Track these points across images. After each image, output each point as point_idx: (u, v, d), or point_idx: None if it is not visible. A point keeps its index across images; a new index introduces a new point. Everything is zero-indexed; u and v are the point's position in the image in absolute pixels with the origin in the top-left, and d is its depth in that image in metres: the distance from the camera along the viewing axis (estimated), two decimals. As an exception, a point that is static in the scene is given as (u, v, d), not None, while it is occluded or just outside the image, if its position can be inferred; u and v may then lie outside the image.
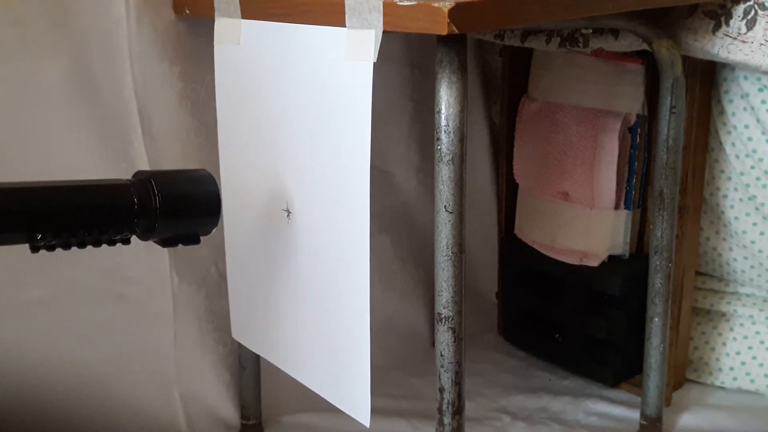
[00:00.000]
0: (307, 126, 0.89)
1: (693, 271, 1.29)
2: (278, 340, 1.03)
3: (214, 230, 0.82)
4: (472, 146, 1.46)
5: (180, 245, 0.80)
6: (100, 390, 1.09)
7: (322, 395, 0.96)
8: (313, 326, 0.95)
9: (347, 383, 0.91)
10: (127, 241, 0.76)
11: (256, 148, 0.98)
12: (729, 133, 1.20)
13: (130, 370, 1.11)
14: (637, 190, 1.27)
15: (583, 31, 1.14)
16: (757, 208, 1.22)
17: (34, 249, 0.71)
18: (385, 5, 0.76)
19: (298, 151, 0.91)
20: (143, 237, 0.77)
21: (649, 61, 1.20)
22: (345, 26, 0.80)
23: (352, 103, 0.81)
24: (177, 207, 0.77)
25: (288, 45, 0.89)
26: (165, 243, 0.79)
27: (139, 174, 0.78)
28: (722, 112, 1.20)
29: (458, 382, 0.84)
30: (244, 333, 1.10)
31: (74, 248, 0.73)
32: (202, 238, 0.82)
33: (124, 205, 0.74)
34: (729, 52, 1.04)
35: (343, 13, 0.79)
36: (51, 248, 0.71)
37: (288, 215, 0.94)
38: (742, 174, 1.21)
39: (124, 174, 1.03)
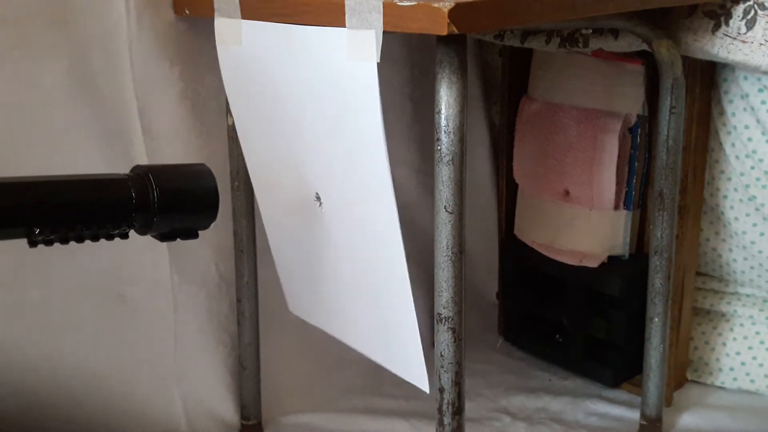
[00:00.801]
0: (321, 125, 0.89)
1: (693, 272, 1.29)
2: (333, 314, 1.06)
3: (212, 224, 0.82)
4: (472, 146, 1.46)
5: (178, 240, 0.80)
6: (100, 390, 1.09)
7: (385, 366, 0.98)
8: (362, 303, 0.97)
9: (402, 354, 0.93)
10: (125, 236, 0.76)
11: (279, 144, 0.99)
12: (729, 133, 1.20)
13: (130, 370, 1.11)
14: (637, 191, 1.27)
15: (583, 31, 1.14)
16: (757, 209, 1.22)
17: (32, 243, 0.71)
18: (385, 5, 0.76)
19: (318, 148, 0.92)
20: (141, 231, 0.78)
21: (649, 62, 1.20)
22: (345, 26, 0.80)
23: (361, 103, 0.81)
24: (175, 201, 0.77)
25: (290, 45, 0.89)
26: (163, 237, 0.79)
27: (137, 168, 0.78)
28: (722, 112, 1.20)
29: (458, 383, 0.84)
30: (301, 308, 1.13)
31: (74, 245, 0.73)
32: (201, 236, 0.82)
33: (122, 200, 0.74)
34: (729, 52, 1.04)
35: (343, 14, 0.79)
36: (49, 243, 0.71)
37: (320, 204, 0.95)
38: (742, 174, 1.21)
39: (124, 174, 1.03)
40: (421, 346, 0.88)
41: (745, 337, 1.30)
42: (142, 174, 0.76)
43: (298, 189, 0.98)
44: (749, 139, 1.18)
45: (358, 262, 0.94)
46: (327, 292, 1.04)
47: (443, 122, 0.77)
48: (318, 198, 0.95)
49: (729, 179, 1.23)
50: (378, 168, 0.82)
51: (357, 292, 0.97)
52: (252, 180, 1.07)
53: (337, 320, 1.06)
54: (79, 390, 1.08)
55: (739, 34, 1.03)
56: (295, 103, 0.92)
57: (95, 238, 0.74)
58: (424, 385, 0.91)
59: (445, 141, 0.77)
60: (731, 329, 1.31)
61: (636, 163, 1.24)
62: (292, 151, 0.97)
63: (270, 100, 0.96)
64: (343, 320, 1.04)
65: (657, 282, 1.12)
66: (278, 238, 1.10)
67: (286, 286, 1.15)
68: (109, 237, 0.75)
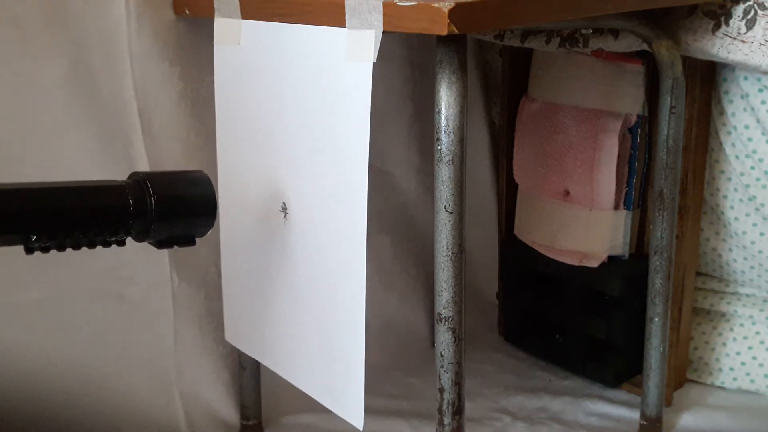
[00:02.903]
0: (306, 126, 0.89)
1: (693, 272, 1.29)
2: (272, 343, 1.03)
3: (209, 232, 0.82)
4: (472, 146, 1.46)
5: (175, 246, 0.80)
6: (100, 390, 1.09)
7: (315, 398, 0.96)
8: (308, 328, 0.95)
9: (341, 386, 0.90)
10: (122, 243, 0.76)
11: (254, 148, 0.98)
12: (729, 133, 1.20)
13: (130, 370, 1.11)
14: (637, 191, 1.27)
15: (583, 31, 1.14)
16: (757, 209, 1.22)
17: (29, 251, 0.70)
18: (385, 5, 0.76)
19: (297, 151, 0.91)
20: (139, 239, 0.77)
21: (649, 62, 1.20)
22: (345, 26, 0.80)
23: (351, 104, 0.81)
24: (172, 208, 0.77)
25: (288, 45, 0.89)
26: (160, 244, 0.79)
27: (134, 175, 0.78)
28: (722, 112, 1.20)
29: (458, 383, 0.84)
30: (238, 335, 1.10)
31: (71, 249, 0.73)
32: (201, 240, 0.82)
33: (119, 207, 0.74)
34: (729, 52, 1.04)
35: (343, 14, 0.79)
36: (45, 250, 0.71)
37: (285, 215, 0.94)
38: (742, 174, 1.21)
39: (124, 174, 1.03)
40: (363, 381, 0.86)
41: (745, 337, 1.30)
42: (139, 181, 0.76)
43: (266, 197, 0.96)
44: (749, 139, 1.18)
45: (313, 284, 0.92)
46: (271, 318, 1.01)
47: (443, 122, 0.77)
48: (284, 209, 0.93)
49: (729, 179, 1.23)
50: (357, 170, 0.81)
51: (305, 317, 0.94)
52: (219, 187, 1.04)
53: (275, 349, 1.02)
54: (79, 390, 1.08)
55: (739, 34, 1.03)
56: (283, 104, 0.91)
57: (92, 245, 0.74)
58: (358, 422, 0.89)
59: (445, 141, 0.77)
60: (731, 329, 1.31)
61: (636, 163, 1.24)
62: (269, 155, 0.95)
63: (258, 101, 0.95)
64: (282, 349, 1.00)
65: (657, 282, 1.12)
66: (231, 253, 1.06)
67: (228, 310, 1.10)
68: (106, 244, 0.75)
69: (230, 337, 1.11)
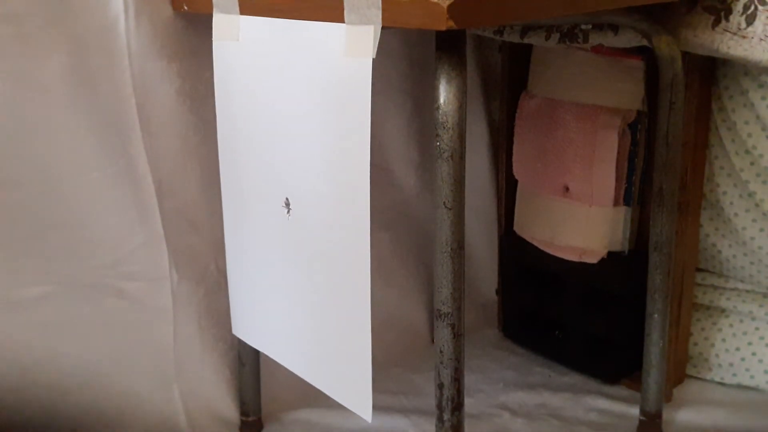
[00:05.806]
0: (306, 122, 0.89)
1: (693, 268, 1.29)
2: (279, 336, 1.03)
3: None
4: (471, 143, 1.45)
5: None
6: (100, 387, 1.09)
7: (323, 391, 0.96)
8: (314, 321, 0.95)
9: (348, 378, 0.91)
10: None
11: (255, 144, 0.98)
12: (729, 129, 1.20)
13: (130, 366, 1.11)
14: (636, 187, 1.26)
15: (583, 26, 1.14)
16: (757, 205, 1.22)
17: None
18: (383, 1, 0.76)
19: (298, 148, 0.91)
20: None
21: (648, 58, 1.20)
22: (344, 22, 0.80)
23: (351, 100, 0.81)
24: None
25: (287, 41, 0.89)
26: None
27: None
28: (722, 108, 1.20)
29: (458, 379, 0.84)
30: (245, 329, 1.10)
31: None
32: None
33: None
34: (729, 48, 1.04)
35: (342, 9, 0.79)
36: None
37: (288, 211, 0.94)
38: (742, 171, 1.21)
39: (122, 172, 1.03)
40: (370, 373, 0.86)
41: (745, 333, 1.30)
42: None
43: (269, 192, 0.96)
44: (749, 135, 1.18)
45: (318, 278, 0.92)
46: (276, 312, 1.02)
47: (442, 118, 0.77)
48: (287, 204, 0.94)
49: (729, 175, 1.23)
50: (358, 166, 0.81)
51: (311, 311, 0.95)
52: (222, 185, 1.05)
53: (282, 342, 1.03)
54: (78, 386, 1.08)
55: (739, 29, 1.03)
56: (283, 101, 0.91)
57: None
58: (366, 414, 0.89)
59: (445, 137, 0.77)
60: (731, 325, 1.31)
61: (635, 159, 1.24)
62: (271, 151, 0.95)
63: (258, 97, 0.95)
64: (288, 342, 1.01)
65: (657, 278, 1.12)
66: (236, 248, 1.07)
67: (234, 304, 1.11)
68: None
69: (237, 330, 1.12)
